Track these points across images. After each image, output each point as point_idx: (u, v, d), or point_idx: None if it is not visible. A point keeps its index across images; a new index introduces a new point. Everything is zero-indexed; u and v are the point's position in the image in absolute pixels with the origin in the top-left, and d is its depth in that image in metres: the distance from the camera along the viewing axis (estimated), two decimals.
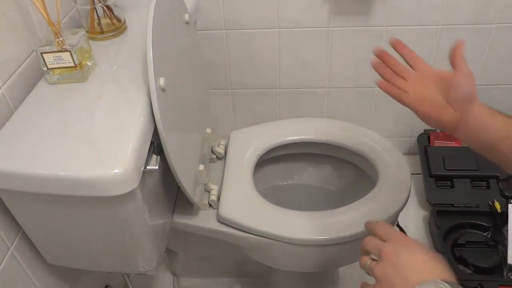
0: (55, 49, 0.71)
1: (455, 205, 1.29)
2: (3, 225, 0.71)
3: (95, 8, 0.84)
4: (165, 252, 1.09)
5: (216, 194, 0.95)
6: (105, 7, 0.85)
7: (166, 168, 0.72)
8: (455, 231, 1.25)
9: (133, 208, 0.67)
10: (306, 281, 1.15)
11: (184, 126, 0.83)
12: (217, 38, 1.29)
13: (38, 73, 0.79)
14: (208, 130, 0.99)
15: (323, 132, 1.09)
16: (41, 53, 0.71)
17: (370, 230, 0.60)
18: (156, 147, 0.70)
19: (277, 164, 1.16)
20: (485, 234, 1.25)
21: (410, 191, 0.94)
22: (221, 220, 0.92)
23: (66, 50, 0.71)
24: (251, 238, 0.90)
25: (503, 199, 1.27)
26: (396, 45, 0.66)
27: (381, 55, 0.66)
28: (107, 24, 0.87)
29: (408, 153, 1.58)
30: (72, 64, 0.72)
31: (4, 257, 0.71)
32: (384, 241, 0.56)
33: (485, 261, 1.16)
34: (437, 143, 1.42)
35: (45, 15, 0.71)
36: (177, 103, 0.77)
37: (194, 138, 0.90)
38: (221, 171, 1.02)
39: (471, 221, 1.26)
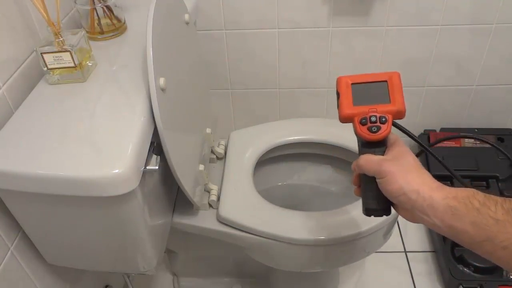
0: (55, 49, 0.71)
1: None
2: (3, 225, 0.71)
3: (95, 8, 0.84)
4: (165, 252, 1.09)
5: (216, 194, 0.95)
6: (105, 7, 0.85)
7: (166, 168, 0.72)
8: None
9: (133, 208, 0.67)
10: (306, 281, 1.15)
11: (184, 126, 0.83)
12: (217, 38, 1.29)
13: (38, 73, 0.79)
14: (208, 130, 0.99)
15: (323, 132, 1.09)
16: (41, 53, 0.71)
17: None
18: (156, 147, 0.70)
19: (277, 164, 1.16)
20: None
21: None
22: (221, 220, 0.92)
23: (66, 50, 0.71)
24: (251, 238, 0.90)
25: None
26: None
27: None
28: (107, 24, 0.87)
29: None
30: (72, 64, 0.72)
31: (4, 257, 0.71)
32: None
33: (485, 261, 1.15)
34: None
35: (45, 15, 0.71)
36: (177, 103, 0.77)
37: (194, 138, 0.90)
38: (221, 171, 1.02)
39: None
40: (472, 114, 1.46)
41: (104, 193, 0.61)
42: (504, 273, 1.15)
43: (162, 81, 0.68)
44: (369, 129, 0.57)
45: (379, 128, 0.57)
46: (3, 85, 0.71)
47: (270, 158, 1.11)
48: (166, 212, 0.88)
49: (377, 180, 0.54)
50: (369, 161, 0.55)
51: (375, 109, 0.58)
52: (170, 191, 0.89)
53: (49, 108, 0.71)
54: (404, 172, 0.52)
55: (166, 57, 0.73)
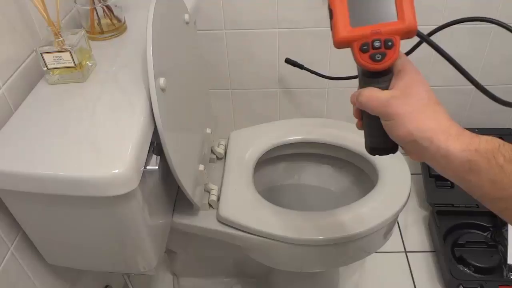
0: (55, 49, 0.71)
1: (455, 205, 1.29)
2: (3, 225, 0.71)
3: (95, 8, 0.84)
4: (165, 252, 1.09)
5: (216, 194, 0.95)
6: (105, 7, 0.85)
7: (166, 168, 0.72)
8: (455, 231, 1.26)
9: (133, 208, 0.67)
10: (306, 281, 1.15)
11: (184, 126, 0.83)
12: (217, 38, 1.29)
13: (38, 73, 0.79)
14: (208, 130, 0.99)
15: (323, 132, 1.09)
16: (41, 53, 0.71)
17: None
18: (156, 147, 0.70)
19: (277, 164, 1.16)
20: (485, 234, 1.25)
21: (410, 191, 0.94)
22: (221, 220, 0.92)
23: (66, 50, 0.71)
24: (251, 238, 0.90)
25: None
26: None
27: None
28: (107, 24, 0.87)
29: None
30: (72, 64, 0.72)
31: (4, 257, 0.71)
32: None
33: (485, 261, 1.16)
34: None
35: (45, 15, 0.71)
36: (177, 103, 0.77)
37: (194, 138, 0.90)
38: (221, 171, 1.02)
39: (471, 221, 1.26)
40: (472, 114, 1.46)
41: (104, 193, 0.61)
42: (505, 273, 1.15)
43: (162, 81, 0.68)
44: (372, 57, 0.47)
45: (384, 55, 0.46)
46: (3, 85, 0.71)
47: (270, 158, 1.11)
48: (166, 212, 0.88)
49: (382, 122, 0.47)
50: (373, 99, 0.47)
51: (378, 30, 0.46)
52: (170, 191, 0.89)
53: (49, 108, 0.71)
54: (414, 113, 0.44)
55: (166, 57, 0.73)
